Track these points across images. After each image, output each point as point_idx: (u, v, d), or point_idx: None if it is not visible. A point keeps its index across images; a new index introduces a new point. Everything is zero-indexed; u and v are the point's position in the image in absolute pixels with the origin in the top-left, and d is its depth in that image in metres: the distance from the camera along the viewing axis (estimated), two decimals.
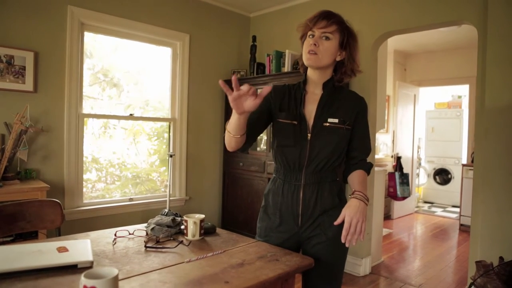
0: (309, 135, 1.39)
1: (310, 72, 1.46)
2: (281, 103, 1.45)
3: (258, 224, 1.54)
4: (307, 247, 1.44)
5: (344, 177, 1.48)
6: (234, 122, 1.26)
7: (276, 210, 1.45)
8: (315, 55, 1.35)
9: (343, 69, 1.43)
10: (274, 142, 1.47)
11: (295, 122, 1.40)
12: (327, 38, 1.36)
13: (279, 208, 1.44)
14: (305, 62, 1.39)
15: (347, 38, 1.40)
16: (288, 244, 1.44)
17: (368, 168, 1.46)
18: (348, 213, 1.28)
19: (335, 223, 1.30)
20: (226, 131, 1.34)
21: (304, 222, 1.41)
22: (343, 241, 1.27)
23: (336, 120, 1.39)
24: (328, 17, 1.36)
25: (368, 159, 1.51)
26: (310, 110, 1.42)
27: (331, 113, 1.41)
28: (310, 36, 1.38)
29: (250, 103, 1.17)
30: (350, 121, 1.42)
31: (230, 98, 1.17)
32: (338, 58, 1.41)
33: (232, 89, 1.15)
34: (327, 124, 1.39)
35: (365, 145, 1.47)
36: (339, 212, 1.34)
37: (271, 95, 1.47)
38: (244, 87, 1.13)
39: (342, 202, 1.43)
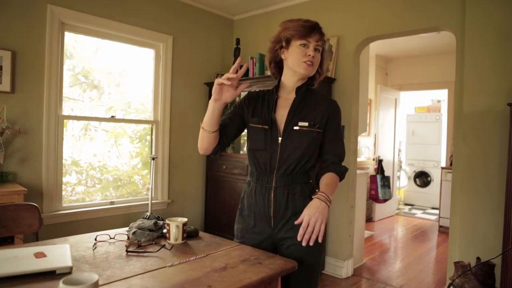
0: (279, 138, 1.43)
1: (287, 78, 1.50)
2: (254, 108, 1.51)
3: (235, 226, 1.57)
4: (281, 248, 1.46)
5: (317, 180, 1.49)
6: (209, 114, 1.38)
7: (250, 212, 1.50)
8: (312, 66, 1.43)
9: (317, 78, 1.52)
10: (247, 146, 1.53)
11: (266, 127, 1.45)
12: (318, 51, 1.44)
13: (253, 210, 1.48)
14: (302, 71, 1.43)
15: (324, 53, 1.50)
16: (264, 245, 1.47)
17: (340, 171, 1.46)
18: (308, 212, 1.29)
19: (296, 222, 1.30)
20: (200, 129, 1.43)
21: (276, 224, 1.44)
22: (299, 239, 1.26)
23: (306, 124, 1.43)
24: (321, 31, 1.45)
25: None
26: (282, 114, 1.47)
27: (301, 116, 1.45)
28: (303, 46, 1.41)
29: (229, 94, 1.33)
30: (321, 124, 1.45)
31: (217, 81, 1.29)
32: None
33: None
34: (297, 127, 1.43)
35: (337, 148, 1.49)
36: None
37: (244, 102, 1.53)
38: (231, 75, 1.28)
39: None
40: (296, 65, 1.42)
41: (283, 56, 1.47)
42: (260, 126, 1.46)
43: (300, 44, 1.41)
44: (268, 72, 1.53)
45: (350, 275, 3.34)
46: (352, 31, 3.27)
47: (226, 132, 1.48)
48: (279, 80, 1.53)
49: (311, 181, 1.50)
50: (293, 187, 1.43)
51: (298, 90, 1.48)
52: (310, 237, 1.26)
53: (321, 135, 1.46)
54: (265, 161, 1.44)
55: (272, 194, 1.43)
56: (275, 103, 1.49)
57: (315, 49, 1.42)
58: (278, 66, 1.53)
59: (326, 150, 1.48)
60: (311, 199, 1.44)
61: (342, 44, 3.33)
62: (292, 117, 1.44)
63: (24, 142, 2.78)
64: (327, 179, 1.42)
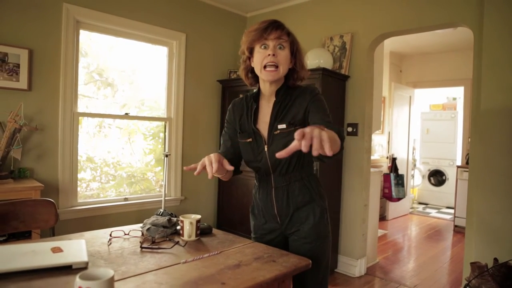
0: (265, 146, 1.44)
1: (262, 85, 1.48)
2: (240, 121, 1.52)
3: (251, 222, 1.63)
4: (291, 243, 1.51)
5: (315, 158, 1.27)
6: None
7: (260, 211, 1.56)
8: (276, 69, 1.36)
9: (295, 76, 1.45)
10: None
11: (250, 140, 1.47)
12: (282, 47, 1.38)
13: (261, 210, 1.54)
14: (266, 78, 1.39)
15: (296, 46, 1.43)
16: (277, 240, 1.53)
17: (336, 130, 1.18)
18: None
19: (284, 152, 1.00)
20: None
21: (282, 220, 1.49)
22: (298, 138, 0.94)
23: (284, 126, 1.41)
24: (281, 27, 1.38)
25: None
26: (265, 122, 1.46)
27: (280, 119, 1.43)
28: (263, 47, 1.38)
29: (219, 172, 1.29)
30: (300, 118, 1.40)
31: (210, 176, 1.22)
32: (290, 66, 1.43)
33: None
34: (278, 131, 1.42)
35: (324, 119, 1.34)
36: (311, 207, 1.45)
37: (232, 116, 1.55)
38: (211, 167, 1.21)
39: (314, 198, 1.46)
40: (258, 71, 1.41)
41: (252, 65, 1.45)
42: (245, 140, 1.48)
43: (260, 47, 1.38)
44: None
45: (363, 274, 3.31)
46: (367, 28, 3.23)
47: (235, 154, 1.52)
48: (259, 87, 1.51)
49: (314, 173, 1.51)
50: (291, 185, 1.45)
51: (278, 93, 1.44)
52: (313, 145, 0.93)
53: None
54: (259, 168, 1.49)
55: (273, 194, 1.48)
56: (255, 113, 1.48)
57: (278, 47, 1.36)
58: (255, 75, 1.49)
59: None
60: (310, 194, 1.45)
61: (356, 41, 3.29)
62: (273, 123, 1.43)
63: (40, 138, 2.83)
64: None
